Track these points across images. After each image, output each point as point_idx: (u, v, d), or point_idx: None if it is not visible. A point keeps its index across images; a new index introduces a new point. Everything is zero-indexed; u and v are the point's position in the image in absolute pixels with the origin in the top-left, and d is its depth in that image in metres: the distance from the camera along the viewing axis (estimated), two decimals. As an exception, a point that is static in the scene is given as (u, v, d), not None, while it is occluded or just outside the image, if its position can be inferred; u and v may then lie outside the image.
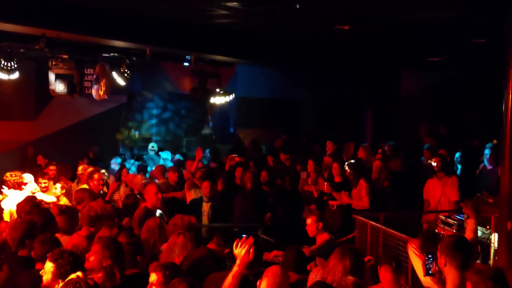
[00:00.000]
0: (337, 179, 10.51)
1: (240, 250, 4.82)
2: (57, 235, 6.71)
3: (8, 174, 8.88)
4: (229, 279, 4.79)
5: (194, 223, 6.89)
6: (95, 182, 9.37)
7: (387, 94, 17.43)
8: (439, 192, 9.78)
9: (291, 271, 5.68)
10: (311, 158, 12.08)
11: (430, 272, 4.63)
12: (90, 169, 10.14)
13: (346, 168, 10.35)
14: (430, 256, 4.63)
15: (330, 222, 9.97)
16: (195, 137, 18.38)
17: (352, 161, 10.79)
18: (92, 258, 5.35)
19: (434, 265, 4.57)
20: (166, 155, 14.91)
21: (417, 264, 5.04)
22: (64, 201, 9.29)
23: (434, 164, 9.88)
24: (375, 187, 10.38)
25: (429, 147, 12.83)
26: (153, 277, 4.94)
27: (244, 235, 4.97)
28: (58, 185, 9.62)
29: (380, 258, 5.74)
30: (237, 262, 4.82)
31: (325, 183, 10.48)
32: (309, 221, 7.73)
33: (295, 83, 18.28)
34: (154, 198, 8.04)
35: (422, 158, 12.85)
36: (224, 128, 18.75)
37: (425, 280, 4.83)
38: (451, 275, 4.40)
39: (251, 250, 4.80)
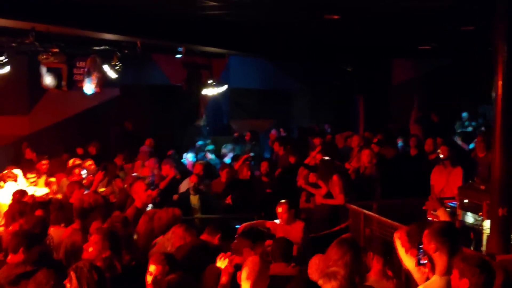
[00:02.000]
0: None
1: (221, 263, 5.05)
2: (51, 228, 6.75)
3: None
4: None
5: (178, 215, 6.88)
6: (75, 178, 9.32)
7: (379, 83, 17.47)
8: (444, 180, 9.80)
9: (280, 261, 5.74)
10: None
11: (421, 261, 4.66)
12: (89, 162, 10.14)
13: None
14: (421, 246, 4.65)
15: (318, 211, 10.00)
16: (188, 129, 18.34)
17: (323, 159, 10.50)
18: (91, 249, 5.37)
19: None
20: None
21: (403, 254, 5.04)
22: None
23: (440, 152, 9.93)
24: (350, 179, 10.35)
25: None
26: (152, 268, 5.00)
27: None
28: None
29: (373, 246, 5.69)
30: (221, 274, 5.01)
31: (311, 173, 10.50)
32: (279, 210, 7.67)
33: (287, 73, 18.30)
34: (143, 196, 7.89)
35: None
36: (217, 119, 18.75)
37: (411, 268, 4.89)
38: (440, 261, 4.43)
39: (232, 262, 5.01)
